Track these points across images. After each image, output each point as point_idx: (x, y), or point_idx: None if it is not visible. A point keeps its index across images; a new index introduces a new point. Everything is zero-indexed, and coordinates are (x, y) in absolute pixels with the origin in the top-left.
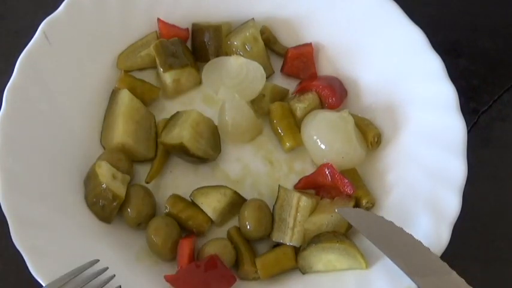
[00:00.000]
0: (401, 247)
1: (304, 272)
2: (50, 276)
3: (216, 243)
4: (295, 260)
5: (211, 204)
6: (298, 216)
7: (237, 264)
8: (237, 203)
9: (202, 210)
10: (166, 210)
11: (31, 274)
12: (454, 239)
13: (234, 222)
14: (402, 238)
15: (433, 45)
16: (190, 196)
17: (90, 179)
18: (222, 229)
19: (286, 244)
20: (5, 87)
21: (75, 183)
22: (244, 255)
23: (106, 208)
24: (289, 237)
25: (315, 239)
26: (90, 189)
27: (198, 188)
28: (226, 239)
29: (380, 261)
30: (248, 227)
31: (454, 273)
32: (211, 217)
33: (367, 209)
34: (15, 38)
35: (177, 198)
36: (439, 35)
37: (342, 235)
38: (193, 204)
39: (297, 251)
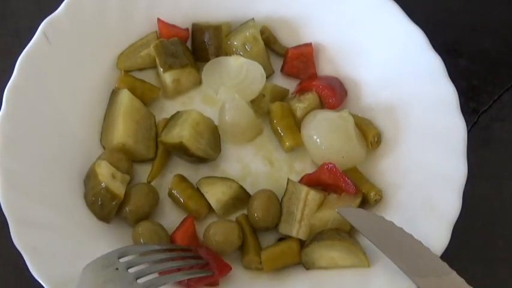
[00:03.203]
0: (401, 247)
1: (307, 268)
2: (50, 276)
3: (224, 224)
4: (300, 255)
5: (216, 195)
6: (306, 210)
7: (241, 251)
8: (241, 197)
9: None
10: (169, 186)
11: (31, 274)
12: (454, 238)
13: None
14: (402, 238)
15: (433, 45)
16: (196, 184)
17: (89, 178)
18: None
19: (292, 238)
20: (5, 87)
21: (75, 183)
22: (250, 243)
23: (105, 207)
24: (296, 230)
25: (317, 236)
26: (90, 188)
27: (205, 177)
28: (234, 222)
29: (382, 260)
30: (256, 216)
31: (454, 273)
32: (214, 208)
33: (376, 201)
34: (15, 38)
35: (182, 177)
36: (439, 34)
37: (345, 233)
38: (197, 191)
39: (302, 245)
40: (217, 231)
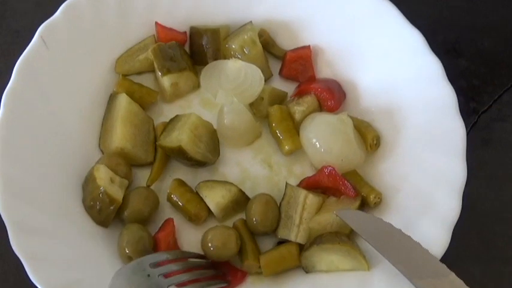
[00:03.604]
0: (400, 249)
1: (307, 271)
2: (49, 282)
3: (220, 231)
4: (299, 259)
5: (215, 199)
6: (304, 214)
7: (240, 256)
8: (240, 200)
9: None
10: (168, 191)
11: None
12: (453, 239)
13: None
14: (401, 240)
15: (433, 45)
16: (195, 188)
17: (88, 183)
18: (222, 223)
19: (291, 242)
20: (4, 88)
21: (73, 188)
22: (249, 248)
23: (103, 212)
24: (295, 234)
25: (317, 240)
26: (88, 192)
27: (204, 181)
28: (231, 229)
29: (382, 263)
30: (255, 220)
31: (452, 274)
32: (214, 212)
33: (376, 204)
34: (16, 38)
35: (181, 181)
36: (439, 35)
37: (344, 236)
38: (196, 195)
39: (301, 249)
40: (215, 238)
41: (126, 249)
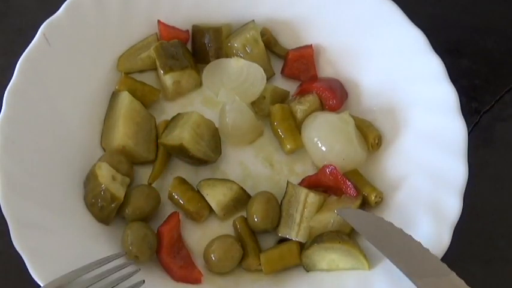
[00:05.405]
0: (400, 248)
1: (308, 270)
2: (50, 278)
3: (221, 241)
4: (300, 258)
5: (216, 197)
6: (305, 212)
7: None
8: (242, 199)
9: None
10: (169, 189)
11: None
12: (454, 238)
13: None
14: (402, 239)
15: (435, 44)
16: (197, 186)
17: (89, 180)
18: (223, 221)
19: (291, 240)
20: (7, 85)
21: (75, 185)
22: (249, 246)
23: (104, 209)
24: (296, 232)
25: (317, 239)
26: (89, 189)
27: (205, 179)
28: (231, 236)
29: (383, 262)
30: (255, 218)
31: (453, 274)
32: (215, 210)
33: (377, 203)
34: (18, 36)
35: (182, 180)
36: (441, 34)
37: (345, 235)
38: (198, 193)
39: (302, 248)
40: (217, 249)
41: (131, 248)
